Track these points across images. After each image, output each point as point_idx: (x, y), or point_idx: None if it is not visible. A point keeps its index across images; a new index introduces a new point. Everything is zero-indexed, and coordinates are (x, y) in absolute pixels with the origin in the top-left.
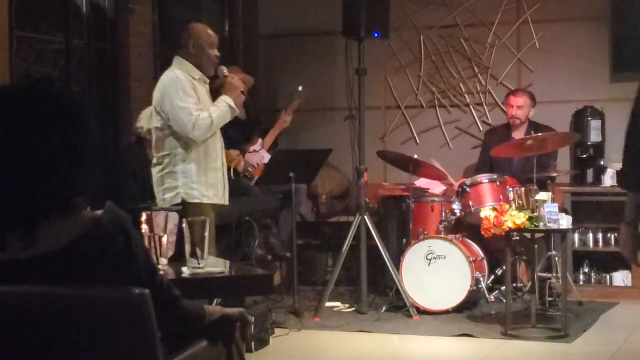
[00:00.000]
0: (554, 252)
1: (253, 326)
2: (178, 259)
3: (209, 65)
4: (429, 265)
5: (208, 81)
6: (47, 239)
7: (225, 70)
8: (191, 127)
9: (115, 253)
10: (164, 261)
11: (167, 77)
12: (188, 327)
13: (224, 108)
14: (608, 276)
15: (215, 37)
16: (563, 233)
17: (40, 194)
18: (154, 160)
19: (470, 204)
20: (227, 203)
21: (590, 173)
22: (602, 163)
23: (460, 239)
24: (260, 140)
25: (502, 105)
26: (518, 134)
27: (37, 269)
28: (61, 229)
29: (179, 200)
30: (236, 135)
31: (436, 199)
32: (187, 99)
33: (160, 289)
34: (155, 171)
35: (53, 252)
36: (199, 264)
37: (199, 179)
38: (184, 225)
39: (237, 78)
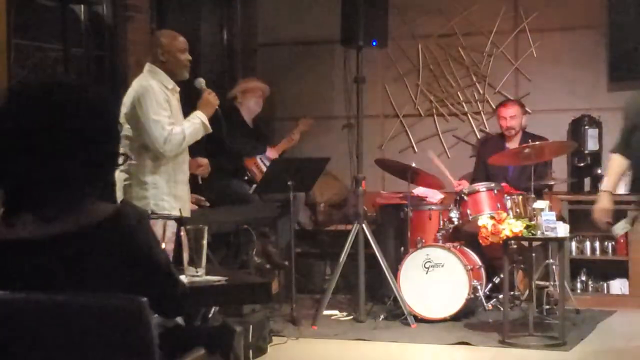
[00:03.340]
0: (551, 260)
1: (251, 334)
2: (176, 266)
3: (181, 71)
4: (426, 273)
5: (178, 89)
6: (67, 221)
7: (202, 82)
8: (162, 141)
9: (134, 240)
10: None
11: (140, 85)
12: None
13: (197, 125)
14: (605, 284)
15: (184, 42)
16: (560, 241)
17: (73, 178)
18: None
19: (468, 212)
20: (189, 215)
21: (587, 181)
22: (599, 171)
23: (458, 247)
24: (268, 149)
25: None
26: (512, 144)
27: (53, 247)
28: (85, 212)
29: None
30: (257, 143)
31: (434, 207)
32: (161, 112)
33: (175, 284)
34: (120, 178)
35: (72, 233)
36: (196, 272)
37: (169, 191)
38: (182, 233)
39: (213, 94)
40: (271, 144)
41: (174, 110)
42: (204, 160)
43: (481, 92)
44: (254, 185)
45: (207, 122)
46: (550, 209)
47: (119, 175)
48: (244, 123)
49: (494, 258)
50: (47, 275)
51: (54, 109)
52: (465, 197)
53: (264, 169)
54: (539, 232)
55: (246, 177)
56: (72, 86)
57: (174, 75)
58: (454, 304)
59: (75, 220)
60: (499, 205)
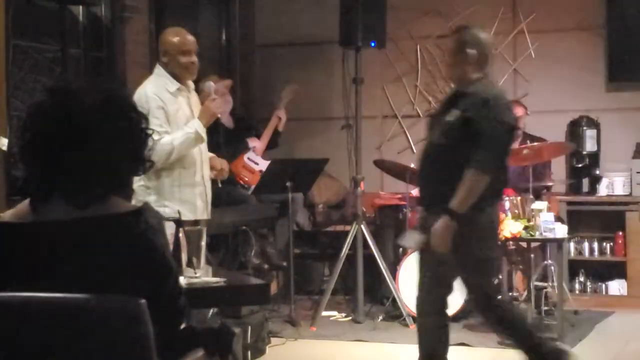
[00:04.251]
0: (549, 261)
1: (249, 335)
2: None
3: (183, 74)
4: None
5: (191, 87)
6: (93, 208)
7: (211, 87)
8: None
9: (152, 239)
10: None
11: (138, 92)
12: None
13: (191, 135)
14: (603, 285)
15: (187, 42)
16: (559, 242)
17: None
18: None
19: None
20: (206, 217)
21: (585, 182)
22: (597, 172)
23: None
24: (254, 142)
25: None
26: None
27: (77, 230)
28: (109, 204)
29: None
30: (232, 145)
31: None
32: (151, 120)
33: (170, 297)
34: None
35: (96, 218)
36: (195, 273)
37: (172, 196)
38: (181, 235)
39: (217, 101)
40: (258, 132)
41: (179, 112)
42: (218, 164)
43: None
44: (252, 187)
45: (202, 132)
46: (549, 209)
47: None
48: (224, 128)
49: None
50: (70, 257)
51: (94, 108)
52: None
53: (255, 168)
54: (537, 233)
55: (239, 185)
56: (111, 90)
57: (177, 78)
58: (453, 305)
59: (100, 209)
60: None
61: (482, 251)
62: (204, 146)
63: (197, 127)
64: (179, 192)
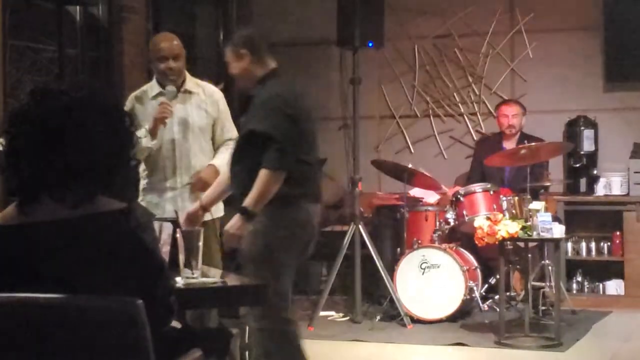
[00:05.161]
0: (547, 261)
1: (247, 335)
2: (172, 268)
3: (162, 79)
4: (422, 274)
5: (186, 90)
6: (82, 208)
7: (169, 93)
8: None
9: (142, 236)
10: None
11: None
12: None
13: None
14: (601, 285)
15: (164, 48)
16: (556, 242)
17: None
18: None
19: (464, 213)
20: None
21: (583, 182)
22: (595, 172)
23: (454, 248)
24: None
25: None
26: (509, 144)
27: (67, 229)
28: (98, 203)
29: None
30: None
31: (430, 208)
32: None
33: (161, 296)
34: None
35: (85, 216)
36: (192, 274)
37: (145, 197)
38: (178, 235)
39: (162, 107)
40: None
41: (145, 119)
42: (197, 176)
43: (477, 93)
44: None
45: (145, 139)
46: (546, 209)
47: None
48: None
49: (490, 259)
50: (60, 256)
51: (73, 108)
52: (462, 198)
53: None
54: (534, 233)
55: None
56: (93, 89)
57: (160, 83)
58: (450, 304)
59: (88, 208)
60: (494, 206)
61: (272, 253)
62: (182, 153)
63: (141, 134)
64: (150, 195)
